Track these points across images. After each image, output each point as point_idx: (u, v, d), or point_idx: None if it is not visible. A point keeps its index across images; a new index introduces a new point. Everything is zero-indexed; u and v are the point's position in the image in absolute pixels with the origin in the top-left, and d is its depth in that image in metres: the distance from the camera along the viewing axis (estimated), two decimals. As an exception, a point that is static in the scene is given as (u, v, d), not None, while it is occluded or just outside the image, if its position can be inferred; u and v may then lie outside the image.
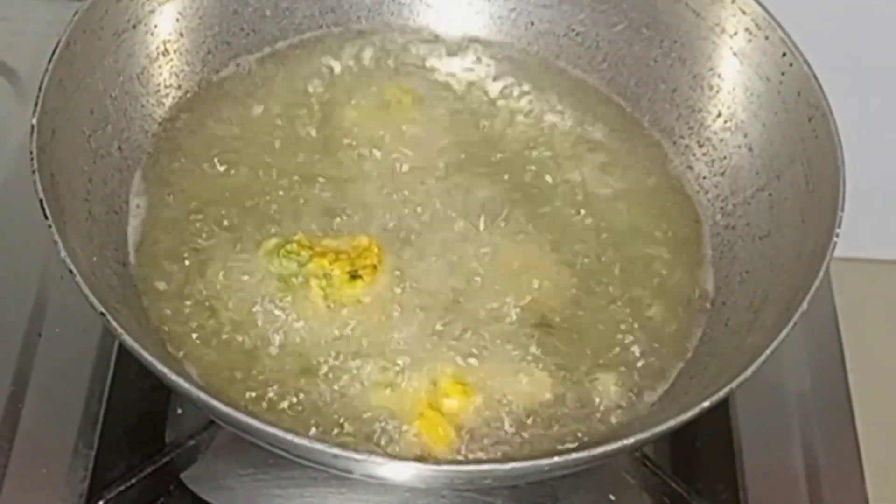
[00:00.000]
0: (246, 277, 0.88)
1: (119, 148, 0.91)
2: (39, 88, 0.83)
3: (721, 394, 0.77)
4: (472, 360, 0.86)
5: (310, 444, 0.74)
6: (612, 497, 0.92)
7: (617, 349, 0.88)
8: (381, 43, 1.02)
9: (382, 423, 0.83)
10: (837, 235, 0.83)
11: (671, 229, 0.95)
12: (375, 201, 0.93)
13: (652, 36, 1.00)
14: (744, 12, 0.95)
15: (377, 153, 0.96)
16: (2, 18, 1.13)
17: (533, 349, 0.87)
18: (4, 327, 0.94)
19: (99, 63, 0.90)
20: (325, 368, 0.85)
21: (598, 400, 0.86)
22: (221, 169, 0.94)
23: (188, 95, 0.97)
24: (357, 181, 0.94)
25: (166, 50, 0.96)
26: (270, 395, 0.84)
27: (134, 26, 0.93)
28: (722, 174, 0.96)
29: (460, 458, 0.82)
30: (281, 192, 0.93)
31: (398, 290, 0.88)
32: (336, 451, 0.73)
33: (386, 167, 0.95)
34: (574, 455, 0.75)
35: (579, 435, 0.84)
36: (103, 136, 0.90)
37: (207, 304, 0.87)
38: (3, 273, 0.97)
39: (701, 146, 0.98)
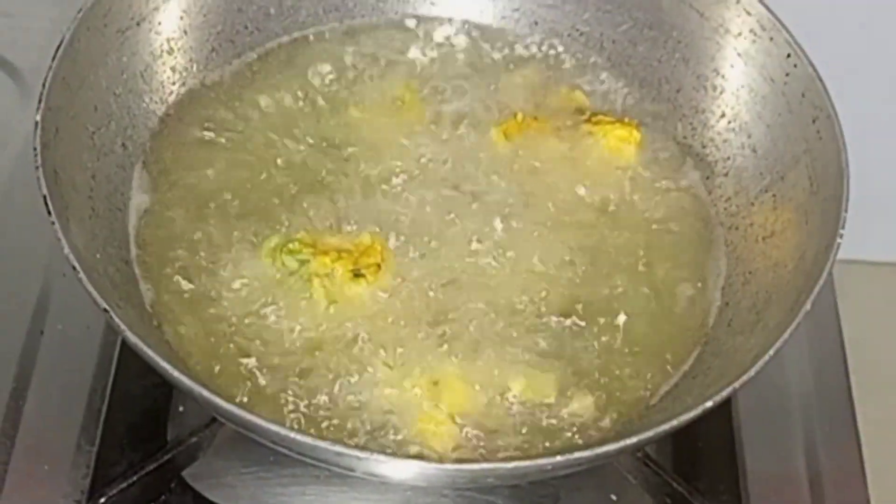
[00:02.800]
0: (248, 275, 0.88)
1: (122, 145, 0.91)
2: (43, 85, 0.83)
3: (724, 394, 0.77)
4: (476, 360, 0.86)
5: (312, 441, 0.73)
6: (613, 497, 0.92)
7: (620, 348, 0.88)
8: (384, 41, 1.02)
9: (385, 422, 0.83)
10: (841, 237, 0.83)
11: (675, 230, 0.94)
12: (379, 199, 0.93)
13: (656, 36, 1.00)
14: (748, 13, 0.95)
15: (382, 151, 0.96)
16: (6, 15, 1.13)
17: (537, 349, 0.87)
18: (7, 324, 0.94)
19: (102, 60, 0.90)
20: (327, 366, 0.85)
21: (600, 399, 0.86)
22: (224, 166, 0.94)
23: (191, 93, 0.97)
24: (361, 179, 0.94)
25: (170, 48, 0.96)
26: (272, 392, 0.84)
27: (138, 24, 0.93)
28: (725, 175, 0.96)
29: (462, 457, 0.82)
30: (284, 190, 0.93)
31: (402, 289, 0.88)
32: (339, 449, 0.73)
33: (390, 165, 0.95)
34: (576, 454, 0.75)
35: (581, 434, 0.84)
36: (107, 133, 0.90)
37: (210, 301, 0.87)
38: (7, 269, 0.97)
39: (704, 147, 0.98)
